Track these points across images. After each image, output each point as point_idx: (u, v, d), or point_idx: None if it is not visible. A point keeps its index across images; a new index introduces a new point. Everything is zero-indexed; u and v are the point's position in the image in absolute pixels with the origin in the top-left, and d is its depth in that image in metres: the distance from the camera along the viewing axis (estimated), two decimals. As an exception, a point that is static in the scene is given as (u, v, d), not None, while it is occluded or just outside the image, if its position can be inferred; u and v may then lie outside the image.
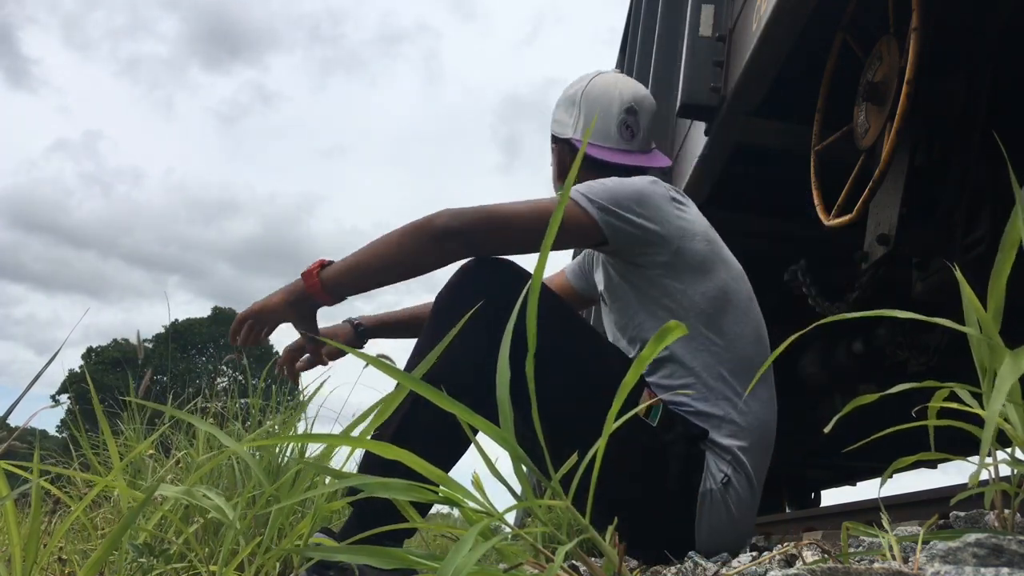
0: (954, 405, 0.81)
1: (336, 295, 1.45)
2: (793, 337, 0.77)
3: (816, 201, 2.22)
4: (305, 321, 1.49)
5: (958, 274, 0.80)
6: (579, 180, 1.66)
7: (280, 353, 1.68)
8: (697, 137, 2.96)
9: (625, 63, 5.43)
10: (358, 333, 1.65)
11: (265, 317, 1.48)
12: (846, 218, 2.04)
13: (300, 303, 1.45)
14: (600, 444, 0.67)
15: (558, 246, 1.55)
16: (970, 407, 0.79)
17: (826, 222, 2.14)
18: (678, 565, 1.14)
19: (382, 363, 0.73)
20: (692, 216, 1.56)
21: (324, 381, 1.65)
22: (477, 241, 1.40)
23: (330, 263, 1.44)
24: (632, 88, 1.73)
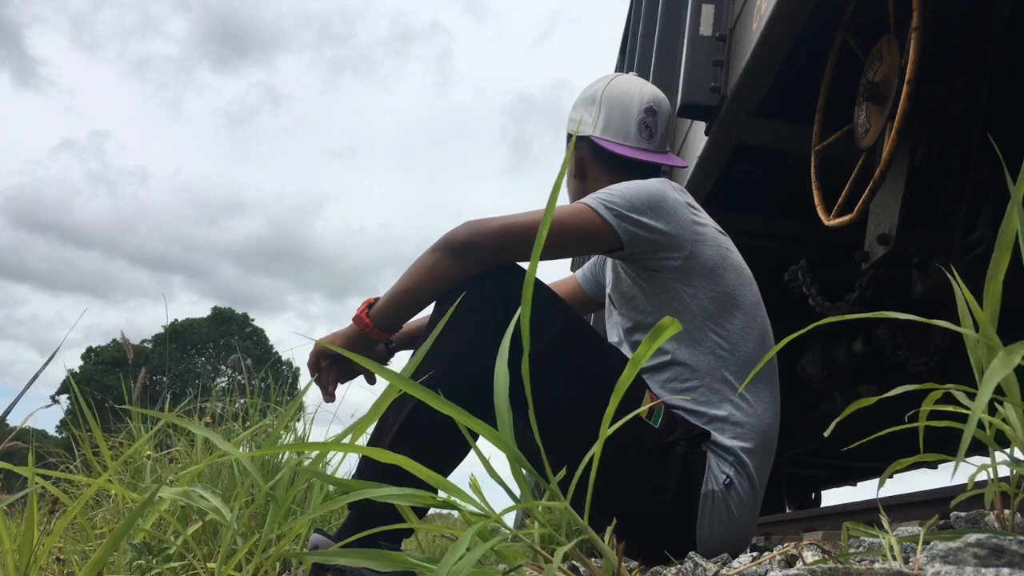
0: (951, 408, 0.81)
1: (388, 328, 1.50)
2: (790, 337, 0.77)
3: (816, 201, 2.22)
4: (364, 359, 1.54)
5: (952, 274, 0.80)
6: (598, 177, 1.70)
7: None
8: (697, 137, 2.96)
9: (625, 63, 5.42)
10: (388, 350, 1.69)
11: (330, 362, 1.56)
12: (846, 218, 2.04)
13: (357, 344, 1.50)
14: (598, 445, 0.67)
15: (575, 253, 1.58)
16: (966, 408, 0.79)
17: (826, 222, 2.13)
18: (678, 565, 1.13)
19: (380, 367, 0.73)
20: (705, 220, 1.58)
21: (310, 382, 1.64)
22: (497, 252, 1.43)
23: (376, 300, 1.51)
24: (651, 89, 1.76)
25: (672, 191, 1.55)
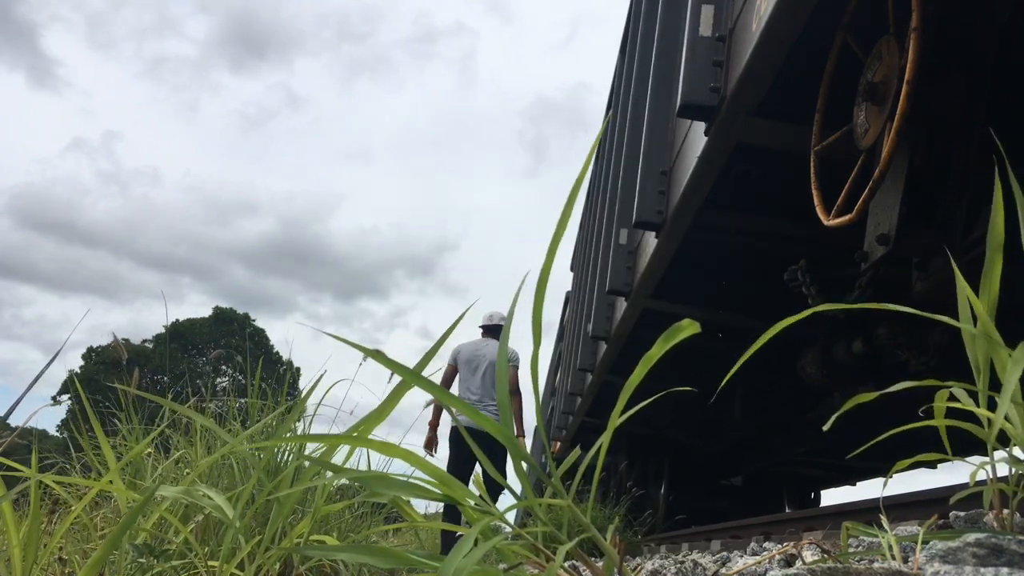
0: (954, 404, 0.81)
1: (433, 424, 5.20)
2: (775, 327, 0.77)
3: (816, 201, 2.22)
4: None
5: (956, 270, 0.80)
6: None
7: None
8: (697, 137, 2.96)
9: (625, 64, 5.42)
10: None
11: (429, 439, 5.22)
12: (846, 218, 2.04)
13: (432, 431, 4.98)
14: (603, 441, 0.67)
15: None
16: (967, 406, 0.79)
17: (826, 222, 2.13)
18: (678, 565, 1.14)
19: (383, 357, 0.73)
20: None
21: (320, 377, 1.65)
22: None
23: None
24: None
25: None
